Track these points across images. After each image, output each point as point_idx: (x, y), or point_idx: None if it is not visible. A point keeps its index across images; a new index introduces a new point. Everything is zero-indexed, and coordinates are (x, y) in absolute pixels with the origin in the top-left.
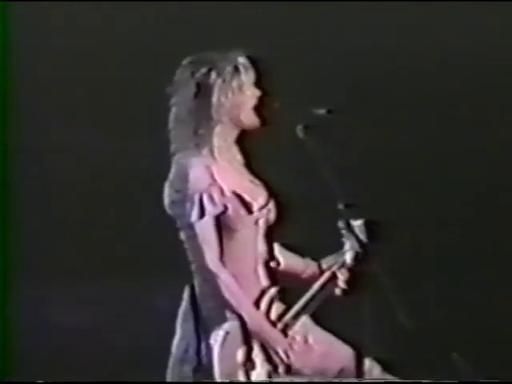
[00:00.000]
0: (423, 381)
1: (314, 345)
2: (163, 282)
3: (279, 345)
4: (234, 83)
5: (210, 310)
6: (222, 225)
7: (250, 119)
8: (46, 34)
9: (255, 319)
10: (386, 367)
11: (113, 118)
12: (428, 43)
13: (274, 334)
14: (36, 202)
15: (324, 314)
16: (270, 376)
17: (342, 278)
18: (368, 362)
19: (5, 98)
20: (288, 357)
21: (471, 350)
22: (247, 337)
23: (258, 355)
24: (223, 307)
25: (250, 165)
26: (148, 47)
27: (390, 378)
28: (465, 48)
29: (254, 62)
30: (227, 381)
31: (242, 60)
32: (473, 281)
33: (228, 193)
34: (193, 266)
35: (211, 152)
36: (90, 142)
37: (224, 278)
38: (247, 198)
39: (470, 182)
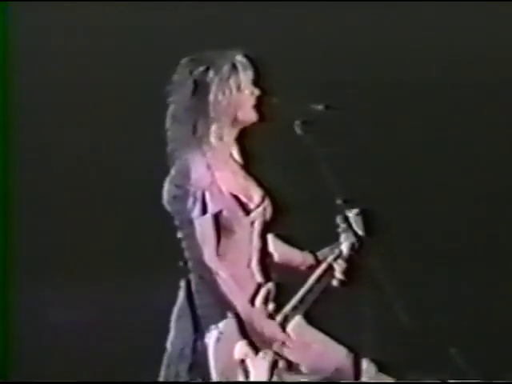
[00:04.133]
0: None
1: (309, 344)
2: (161, 279)
3: (276, 339)
4: (232, 81)
5: (205, 306)
6: (219, 225)
7: (248, 117)
8: (45, 33)
9: (252, 315)
10: (383, 366)
11: (112, 114)
12: (427, 40)
13: (270, 329)
14: (35, 201)
15: (321, 312)
16: (271, 372)
17: (338, 268)
18: (365, 362)
19: (5, 96)
20: (285, 350)
21: (471, 347)
22: (245, 333)
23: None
24: (219, 304)
25: (248, 161)
26: (147, 47)
27: (386, 377)
28: (464, 45)
29: (252, 61)
30: (224, 379)
31: (240, 58)
32: (472, 275)
33: (226, 194)
34: (190, 264)
35: (210, 151)
36: (89, 139)
37: (221, 274)
38: (244, 199)
39: (468, 176)
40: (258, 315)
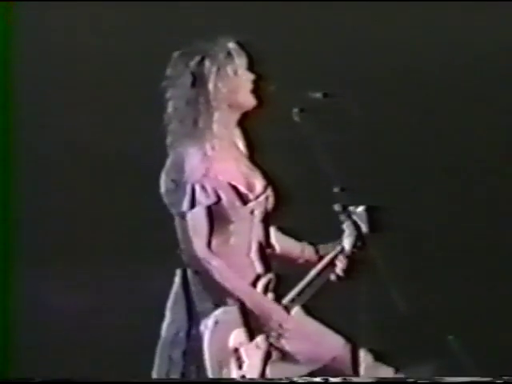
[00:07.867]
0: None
1: (307, 333)
2: (159, 267)
3: (281, 319)
4: (229, 68)
5: (201, 294)
6: (216, 215)
7: (248, 102)
8: (45, 28)
9: (254, 297)
10: (381, 356)
11: (112, 107)
12: (425, 28)
13: (274, 309)
14: (36, 189)
15: (320, 301)
16: (265, 362)
17: (340, 265)
18: (362, 351)
19: (5, 85)
20: (282, 340)
21: (469, 337)
22: (246, 319)
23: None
24: (213, 292)
25: (248, 149)
26: (141, 38)
27: (383, 366)
28: (463, 33)
29: (243, 47)
30: (218, 367)
31: (232, 45)
32: (472, 268)
33: (223, 184)
34: (185, 253)
35: (211, 140)
36: (89, 130)
37: (215, 264)
38: (242, 189)
39: (469, 168)
40: (260, 296)
